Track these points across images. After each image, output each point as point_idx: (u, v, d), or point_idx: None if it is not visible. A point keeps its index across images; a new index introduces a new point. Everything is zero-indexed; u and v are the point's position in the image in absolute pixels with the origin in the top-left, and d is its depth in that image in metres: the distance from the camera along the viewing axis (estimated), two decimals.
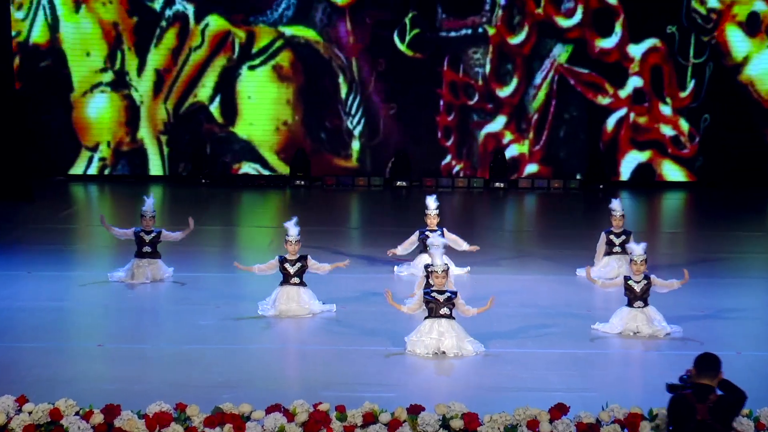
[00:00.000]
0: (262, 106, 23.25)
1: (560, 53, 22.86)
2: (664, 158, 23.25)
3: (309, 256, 12.82)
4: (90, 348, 11.20)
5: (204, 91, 23.24)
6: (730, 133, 22.88)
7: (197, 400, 9.19)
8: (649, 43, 23.05)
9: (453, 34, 22.99)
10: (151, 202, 14.36)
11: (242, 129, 23.33)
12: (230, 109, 23.30)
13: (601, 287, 12.86)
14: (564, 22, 22.92)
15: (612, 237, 14.49)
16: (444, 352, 11.01)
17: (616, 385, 10.30)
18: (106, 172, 23.43)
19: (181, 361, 10.77)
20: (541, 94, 22.94)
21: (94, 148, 23.40)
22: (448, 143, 23.38)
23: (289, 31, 22.96)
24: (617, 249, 14.41)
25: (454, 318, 11.22)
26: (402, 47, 22.98)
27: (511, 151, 23.22)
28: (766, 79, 23.07)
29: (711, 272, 15.00)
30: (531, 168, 23.29)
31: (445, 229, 14.38)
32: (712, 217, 20.27)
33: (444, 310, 11.20)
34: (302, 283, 12.69)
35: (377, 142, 23.26)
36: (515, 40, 22.99)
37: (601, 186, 22.71)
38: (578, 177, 23.09)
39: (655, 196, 22.44)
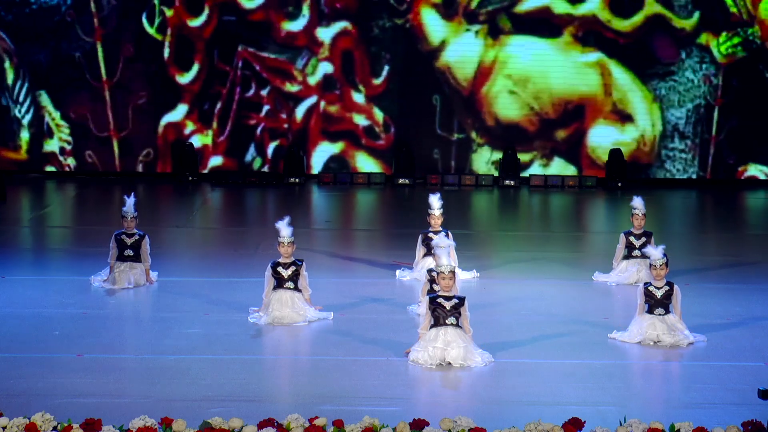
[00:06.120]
0: None
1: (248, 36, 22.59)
2: (358, 149, 23.10)
3: (304, 265, 12.82)
4: (68, 358, 11.19)
5: None
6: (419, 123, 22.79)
7: (184, 414, 9.24)
8: (339, 26, 22.89)
9: None
10: (131, 201, 14.24)
11: None
12: None
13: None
14: (248, 3, 22.70)
15: (632, 239, 14.56)
16: (450, 363, 11.03)
17: (635, 398, 10.33)
18: None
19: (166, 373, 10.78)
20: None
21: None
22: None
23: None
24: (636, 252, 14.48)
25: (461, 326, 11.25)
26: (151, 31, 22.79)
27: (195, 143, 22.78)
28: (465, 64, 22.87)
29: (737, 278, 15.07)
30: (215, 161, 23.05)
31: (449, 231, 14.25)
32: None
33: (451, 319, 11.19)
34: (297, 289, 12.69)
35: (125, 135, 22.86)
36: (195, 22, 22.85)
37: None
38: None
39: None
